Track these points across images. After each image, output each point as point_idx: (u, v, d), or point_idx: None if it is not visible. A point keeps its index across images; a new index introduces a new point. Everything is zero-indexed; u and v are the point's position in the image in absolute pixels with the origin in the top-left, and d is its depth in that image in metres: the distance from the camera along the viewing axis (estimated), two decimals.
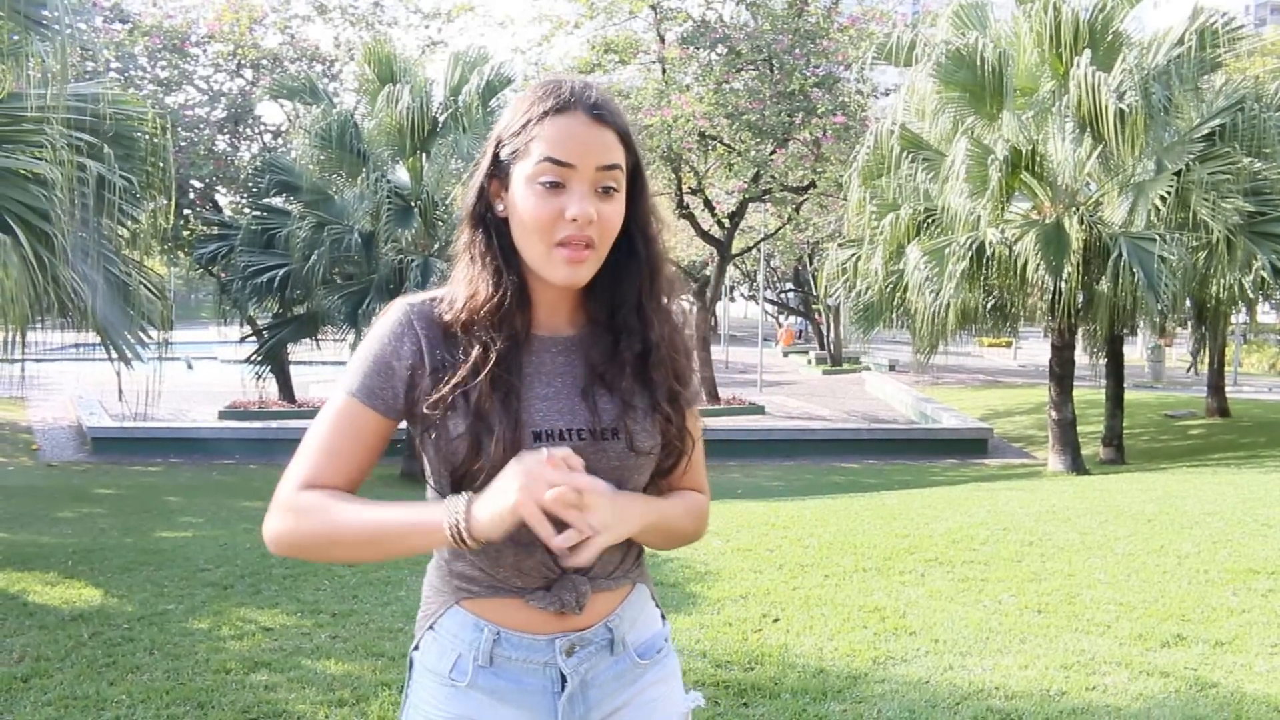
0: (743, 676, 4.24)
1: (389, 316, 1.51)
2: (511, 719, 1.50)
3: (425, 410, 1.47)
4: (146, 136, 7.94)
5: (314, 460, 1.46)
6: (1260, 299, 14.04)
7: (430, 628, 1.55)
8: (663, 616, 1.67)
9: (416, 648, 1.57)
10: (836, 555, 6.35)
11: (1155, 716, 3.84)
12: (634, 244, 1.52)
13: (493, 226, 1.49)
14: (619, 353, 1.53)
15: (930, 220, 13.23)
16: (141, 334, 7.84)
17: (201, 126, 18.74)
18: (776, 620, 5.02)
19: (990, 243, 12.29)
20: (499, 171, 1.48)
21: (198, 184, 18.71)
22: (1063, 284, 12.04)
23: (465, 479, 1.44)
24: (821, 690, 4.08)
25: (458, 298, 1.49)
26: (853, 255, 14.28)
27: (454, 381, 1.45)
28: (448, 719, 1.50)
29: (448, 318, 1.49)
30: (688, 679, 4.22)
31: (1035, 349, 29.14)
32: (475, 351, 1.45)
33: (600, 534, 1.36)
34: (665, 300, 1.57)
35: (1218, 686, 4.17)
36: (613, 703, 1.55)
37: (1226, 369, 21.55)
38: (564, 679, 1.51)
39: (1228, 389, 20.64)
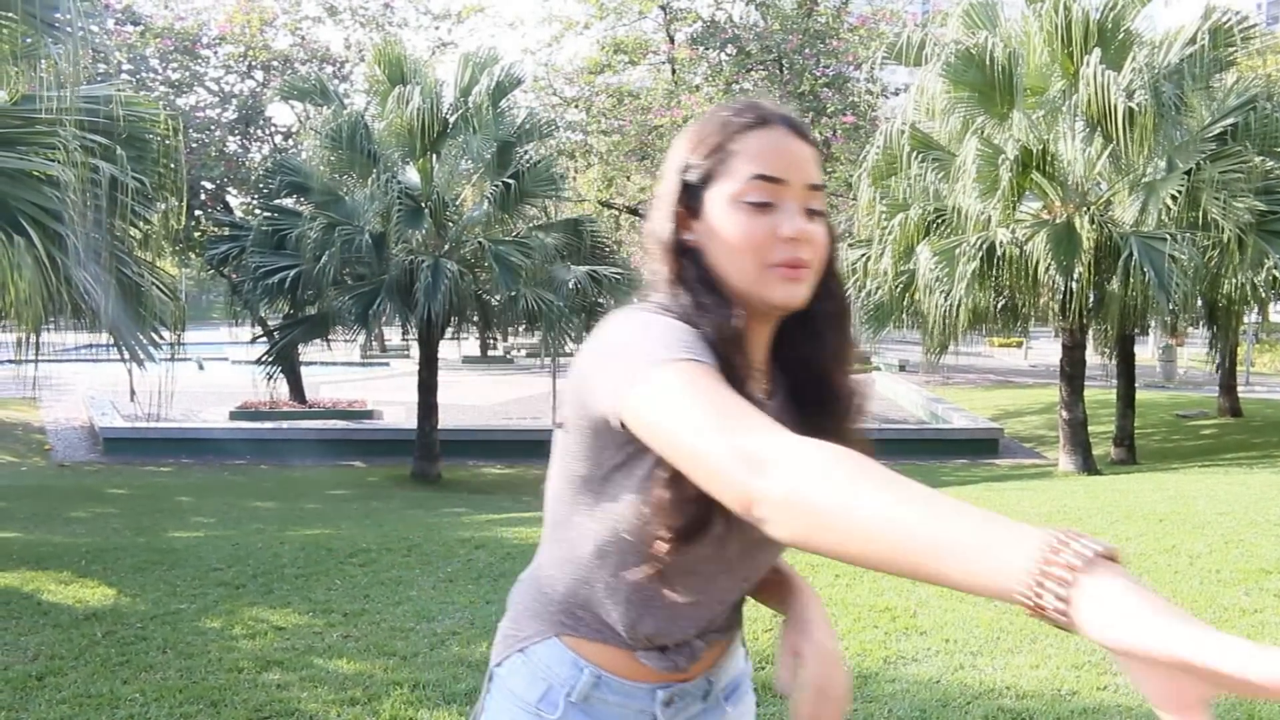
0: (754, 677, 4.24)
1: (654, 314, 1.29)
2: None
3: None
4: (159, 138, 7.98)
5: (745, 410, 1.10)
6: (1272, 298, 13.96)
7: (520, 651, 1.47)
8: (745, 654, 1.62)
9: (500, 665, 1.49)
10: None
11: None
12: (827, 285, 1.38)
13: (686, 259, 1.35)
14: (820, 401, 1.41)
15: (940, 220, 13.21)
16: (154, 335, 7.88)
17: (213, 128, 18.82)
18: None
19: (1001, 243, 12.26)
20: (690, 198, 1.35)
21: (209, 185, 18.79)
22: (1074, 284, 12.01)
23: (635, 541, 1.31)
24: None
25: (702, 324, 1.29)
26: (863, 255, 14.27)
27: None
28: None
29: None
30: None
31: (1046, 349, 29.05)
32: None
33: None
34: (849, 347, 1.44)
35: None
36: None
37: (1239, 369, 21.47)
38: None
39: (1240, 389, 20.56)
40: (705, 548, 1.30)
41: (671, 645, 1.42)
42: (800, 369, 1.42)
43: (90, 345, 8.40)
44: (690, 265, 1.34)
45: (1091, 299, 12.67)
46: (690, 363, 1.16)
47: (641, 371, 1.16)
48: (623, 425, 1.18)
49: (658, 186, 1.42)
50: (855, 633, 4.81)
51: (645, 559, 1.32)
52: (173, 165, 8.15)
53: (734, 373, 1.23)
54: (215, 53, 19.61)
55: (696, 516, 1.25)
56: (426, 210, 13.82)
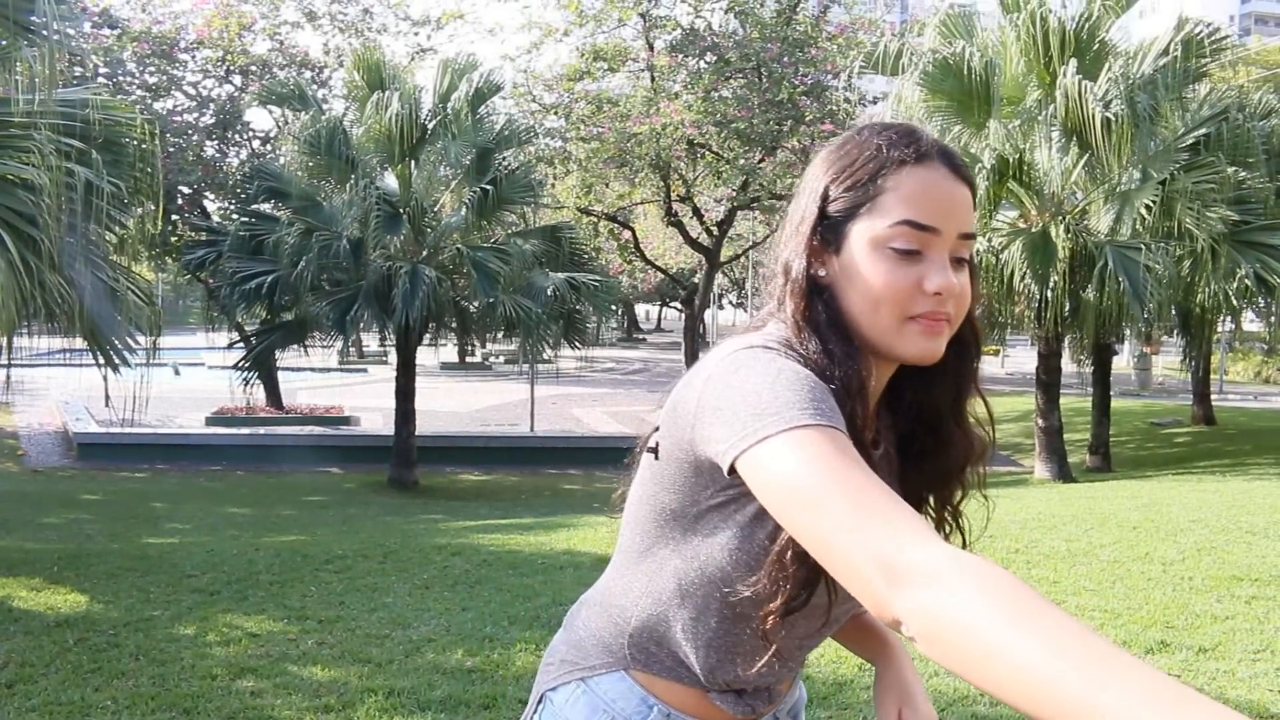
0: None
1: (784, 360, 1.18)
2: None
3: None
4: (135, 142, 7.94)
5: (892, 502, 1.01)
6: (1244, 308, 14.10)
7: (582, 680, 1.38)
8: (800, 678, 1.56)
9: (555, 690, 1.40)
10: None
11: None
12: (962, 331, 1.29)
13: (817, 298, 1.25)
14: (931, 449, 1.35)
15: None
16: (129, 339, 7.82)
17: (190, 132, 18.70)
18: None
19: (977, 251, 12.31)
20: (827, 230, 1.25)
21: (186, 190, 18.67)
22: (1049, 292, 12.10)
23: (734, 589, 1.25)
24: (808, 697, 4.09)
25: (827, 375, 1.19)
26: None
27: None
28: None
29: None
30: None
31: (1022, 357, 29.24)
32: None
33: None
34: (978, 385, 1.37)
35: (1200, 692, 4.19)
36: None
37: (1212, 377, 21.66)
38: None
39: (1213, 397, 20.75)
40: (812, 610, 1.24)
41: (750, 689, 1.37)
42: (914, 414, 1.35)
43: (65, 350, 8.35)
44: (821, 307, 1.24)
45: (1067, 307, 12.76)
46: (824, 429, 1.06)
47: (769, 426, 1.07)
48: (732, 471, 1.10)
49: (791, 206, 1.30)
50: (830, 641, 4.81)
51: (734, 609, 1.27)
52: (149, 169, 8.11)
53: (854, 426, 1.16)
54: (193, 57, 19.49)
55: (813, 588, 1.19)
56: (405, 216, 13.79)
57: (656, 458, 1.28)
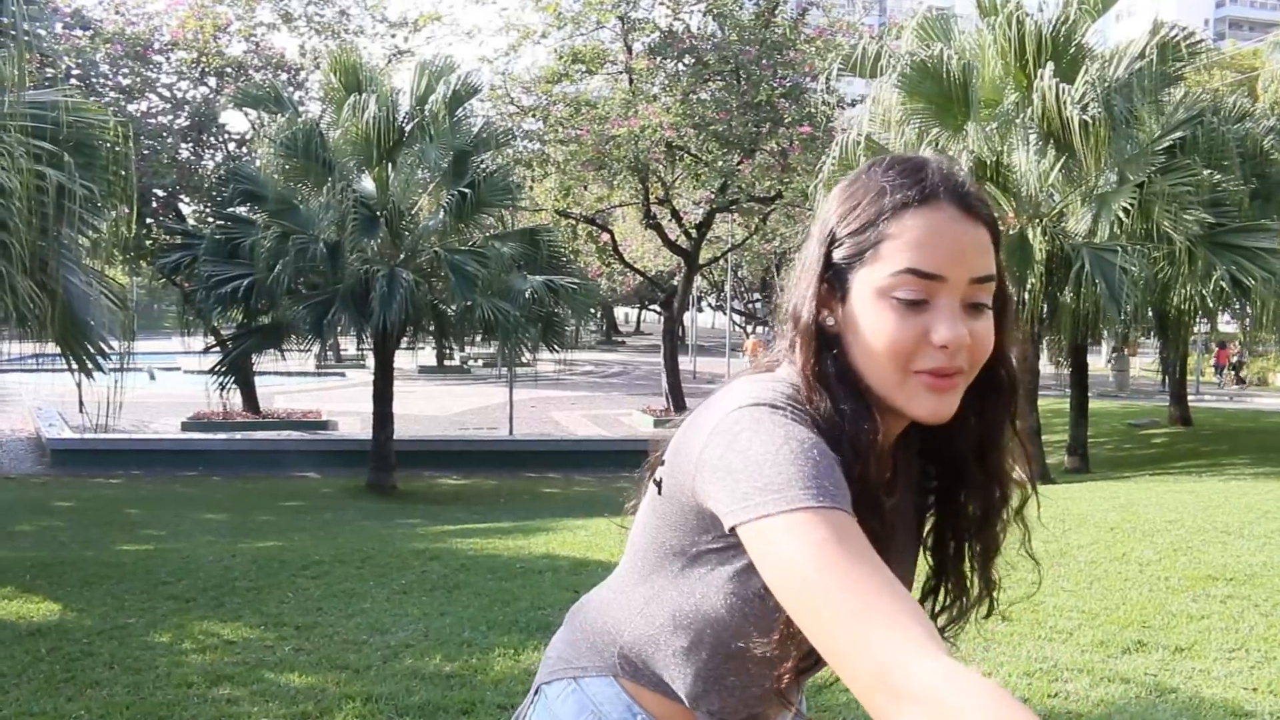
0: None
1: (791, 424, 1.12)
2: None
3: None
4: (108, 145, 7.86)
5: (896, 607, 0.98)
6: (1220, 309, 14.23)
7: (574, 679, 1.38)
8: (803, 699, 1.49)
9: (549, 684, 1.41)
10: None
11: None
12: (995, 375, 1.23)
13: (826, 347, 1.19)
14: (950, 493, 1.31)
15: None
16: (103, 344, 7.74)
17: (165, 135, 18.57)
18: None
19: None
20: (835, 277, 1.19)
21: (160, 193, 18.53)
22: (1026, 294, 12.16)
23: (736, 636, 1.23)
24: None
25: (837, 433, 1.15)
26: None
27: None
28: None
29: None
30: None
31: None
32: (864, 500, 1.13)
33: None
34: (1014, 427, 1.30)
35: (1177, 692, 4.22)
36: None
37: (1189, 378, 21.83)
38: None
39: (1190, 398, 20.91)
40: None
41: (730, 715, 1.33)
42: (936, 457, 1.30)
43: (37, 355, 8.26)
44: (830, 360, 1.18)
45: (1045, 309, 12.83)
46: (827, 513, 1.03)
47: (770, 505, 1.04)
48: (733, 530, 1.08)
49: (803, 247, 1.25)
50: None
51: (729, 649, 1.25)
52: (123, 172, 8.03)
53: (866, 483, 1.14)
54: (167, 59, 19.34)
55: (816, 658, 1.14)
56: (382, 219, 13.73)
57: (660, 492, 1.25)
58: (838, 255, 1.18)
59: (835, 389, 1.17)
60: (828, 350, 1.19)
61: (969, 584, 1.37)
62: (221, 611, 5.51)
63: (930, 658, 0.92)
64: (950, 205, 1.15)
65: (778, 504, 1.03)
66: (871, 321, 1.15)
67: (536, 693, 1.43)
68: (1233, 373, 29.00)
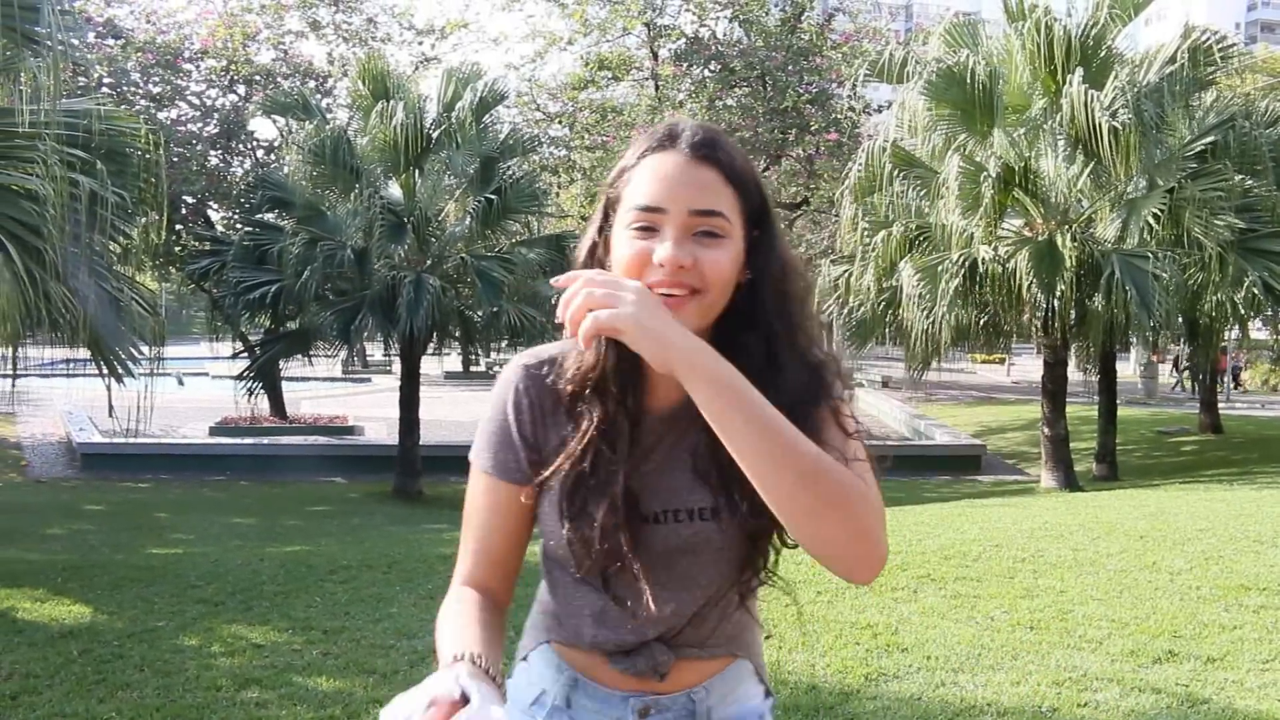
0: None
1: (502, 380, 1.46)
2: None
3: (536, 484, 1.44)
4: (139, 152, 7.94)
5: (468, 549, 1.49)
6: (1251, 316, 14.08)
7: (524, 659, 1.56)
8: (767, 692, 1.57)
9: (510, 677, 1.56)
10: (829, 572, 6.32)
11: None
12: (758, 298, 1.38)
13: None
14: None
15: (923, 237, 13.27)
16: (133, 349, 7.82)
17: (194, 142, 18.74)
18: (769, 637, 4.99)
19: (983, 260, 12.32)
20: (606, 225, 1.39)
21: (190, 199, 18.71)
22: (1056, 301, 12.07)
23: (568, 562, 1.45)
24: (814, 707, 4.07)
25: (568, 364, 1.41)
26: (845, 272, 14.31)
27: (559, 460, 1.39)
28: None
29: (560, 385, 1.41)
30: None
31: (1028, 365, 29.17)
32: (583, 425, 1.39)
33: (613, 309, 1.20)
34: (803, 359, 1.40)
35: (1209, 703, 4.17)
36: None
37: (1219, 386, 21.61)
38: None
39: (1221, 405, 20.69)
40: (606, 560, 1.41)
41: (634, 648, 1.45)
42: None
43: (68, 360, 8.34)
44: None
45: (1074, 316, 12.74)
46: (475, 473, 1.47)
47: (472, 451, 1.48)
48: None
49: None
50: (836, 649, 4.80)
51: (569, 569, 1.47)
52: (153, 179, 8.11)
53: (608, 403, 1.38)
54: (197, 67, 19.54)
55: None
56: (409, 225, 13.79)
57: None
58: (609, 201, 1.39)
59: None
60: None
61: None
62: (250, 615, 5.55)
63: (461, 579, 1.48)
64: (678, 152, 1.34)
65: (473, 456, 1.48)
66: (616, 250, 1.35)
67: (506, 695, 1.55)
68: (1231, 380, 28.63)
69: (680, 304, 1.30)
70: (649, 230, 1.31)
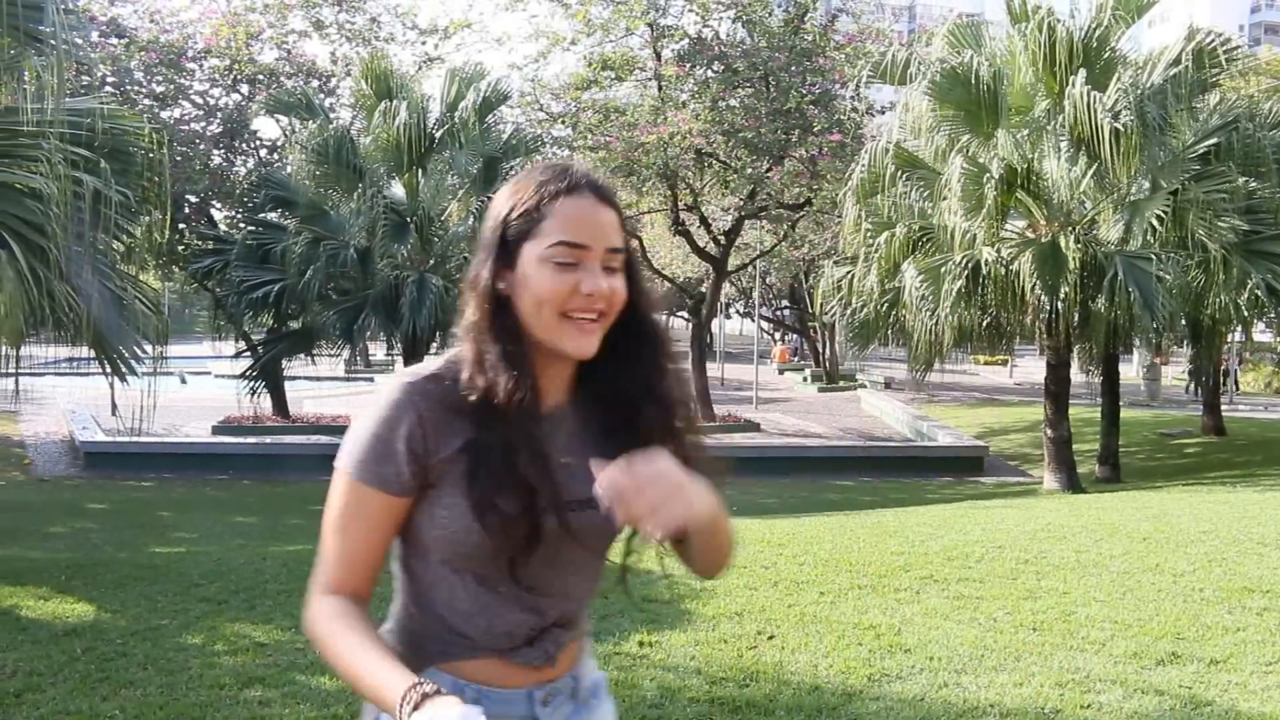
0: (737, 693, 4.23)
1: (387, 395, 1.52)
2: None
3: (433, 491, 1.51)
4: (143, 151, 7.95)
5: (332, 555, 1.53)
6: (1255, 318, 14.05)
7: None
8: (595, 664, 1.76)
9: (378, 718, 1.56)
10: (832, 573, 6.34)
11: None
12: (638, 319, 1.58)
13: (498, 305, 1.53)
14: (630, 423, 1.58)
15: (926, 238, 13.26)
16: (137, 348, 7.82)
17: (197, 141, 18.75)
18: (772, 637, 5.00)
19: (986, 261, 12.31)
20: (505, 250, 1.53)
21: (193, 199, 18.72)
22: (1059, 303, 12.06)
23: (471, 560, 1.52)
24: (817, 707, 4.07)
25: (473, 378, 1.51)
26: (848, 273, 14.31)
27: (465, 464, 1.49)
28: None
29: (463, 395, 1.51)
30: (682, 695, 4.22)
31: (1031, 366, 29.17)
32: (486, 430, 1.49)
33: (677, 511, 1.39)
34: (670, 368, 1.63)
35: (1212, 705, 4.16)
36: None
37: (1223, 388, 21.58)
38: None
39: (1224, 408, 20.66)
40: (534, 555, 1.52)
41: (537, 635, 1.57)
42: (608, 397, 1.60)
43: (71, 359, 8.35)
44: (497, 316, 1.52)
45: (1077, 318, 12.73)
46: (342, 479, 1.52)
47: (340, 459, 1.53)
48: None
49: (481, 236, 1.59)
50: (839, 650, 4.80)
51: (473, 570, 1.53)
52: (157, 178, 8.12)
53: (521, 403, 1.49)
54: (200, 66, 19.54)
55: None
56: (412, 225, 13.81)
57: None
58: (510, 234, 1.52)
59: (503, 336, 1.51)
60: (499, 308, 1.53)
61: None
62: (253, 614, 5.55)
63: (324, 588, 1.52)
64: (589, 194, 1.52)
65: (339, 460, 1.53)
66: (536, 279, 1.49)
67: None
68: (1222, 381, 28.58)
69: (593, 329, 1.51)
70: (570, 267, 1.48)
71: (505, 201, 1.55)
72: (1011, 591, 5.89)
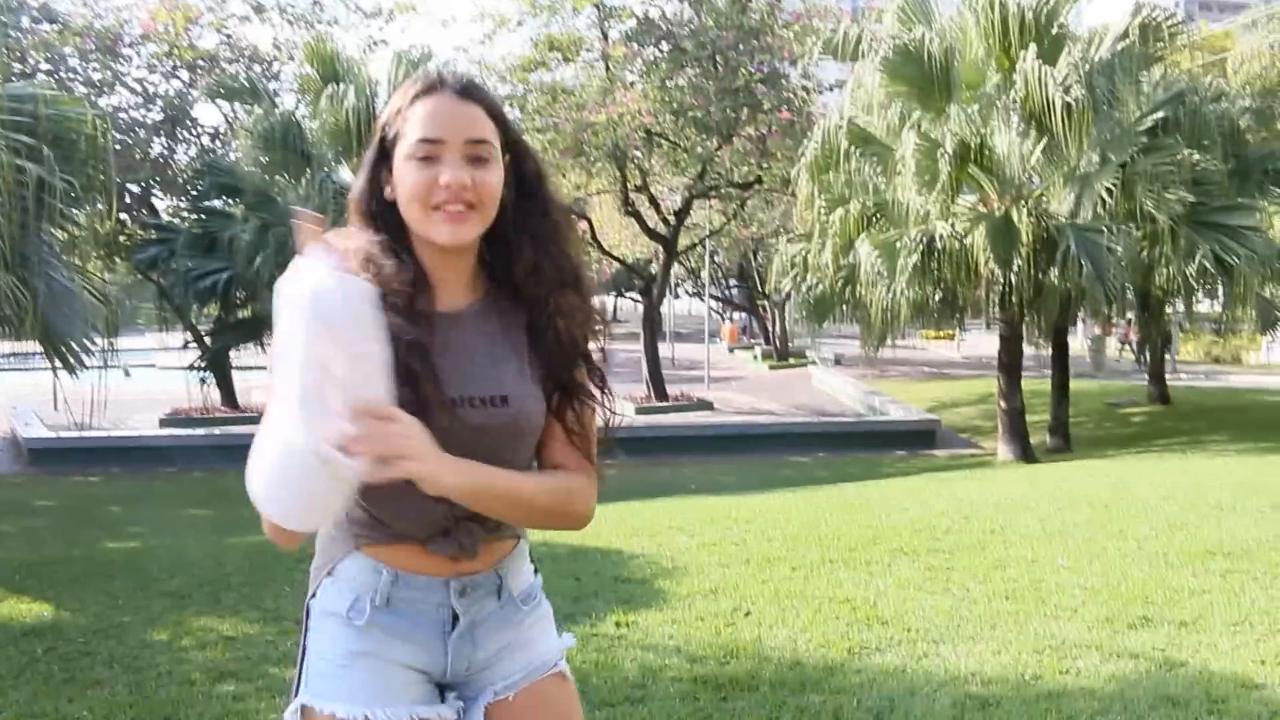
0: (719, 671, 4.20)
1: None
2: (406, 655, 1.63)
3: None
4: (85, 138, 7.73)
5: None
6: (1199, 289, 14.30)
7: (329, 574, 1.64)
8: (535, 570, 1.79)
9: (314, 596, 1.65)
10: (802, 548, 6.35)
11: (1130, 697, 3.87)
12: (525, 213, 1.65)
13: (383, 211, 1.61)
14: (519, 320, 1.66)
15: (880, 214, 13.33)
16: (86, 340, 7.63)
17: (137, 129, 18.33)
18: (748, 614, 4.99)
19: (941, 236, 12.39)
20: (385, 157, 1.61)
21: (134, 188, 18.31)
22: (1013, 276, 12.18)
23: None
24: (800, 682, 4.06)
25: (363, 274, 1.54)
26: (803, 249, 14.34)
27: None
28: (346, 654, 1.61)
29: None
30: (664, 674, 4.19)
31: (977, 340, 29.50)
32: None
33: (410, 458, 1.42)
34: (566, 265, 1.67)
35: (1186, 665, 4.22)
36: (498, 642, 1.69)
37: (1165, 357, 21.96)
38: (455, 618, 1.65)
39: (1166, 377, 21.04)
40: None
41: (452, 526, 1.61)
42: (506, 272, 1.66)
43: (11, 354, 8.14)
44: (380, 220, 1.60)
45: (1030, 290, 12.86)
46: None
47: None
48: None
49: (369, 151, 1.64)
50: (817, 624, 4.79)
51: None
52: (101, 166, 7.91)
53: (408, 294, 1.54)
54: (138, 52, 19.10)
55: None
56: None
57: None
58: (388, 139, 1.60)
59: (383, 235, 1.58)
60: (382, 210, 1.60)
61: (572, 379, 1.70)
62: (219, 608, 5.45)
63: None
64: (448, 93, 1.59)
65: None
66: (402, 178, 1.57)
67: (307, 615, 1.66)
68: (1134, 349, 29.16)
69: (464, 218, 1.56)
70: (431, 160, 1.55)
71: (386, 111, 1.63)
72: (981, 561, 5.94)
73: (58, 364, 7.68)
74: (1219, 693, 3.91)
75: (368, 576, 1.61)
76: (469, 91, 1.61)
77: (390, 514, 1.60)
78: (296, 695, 1.64)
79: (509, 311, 1.66)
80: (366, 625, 1.60)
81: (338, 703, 1.60)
